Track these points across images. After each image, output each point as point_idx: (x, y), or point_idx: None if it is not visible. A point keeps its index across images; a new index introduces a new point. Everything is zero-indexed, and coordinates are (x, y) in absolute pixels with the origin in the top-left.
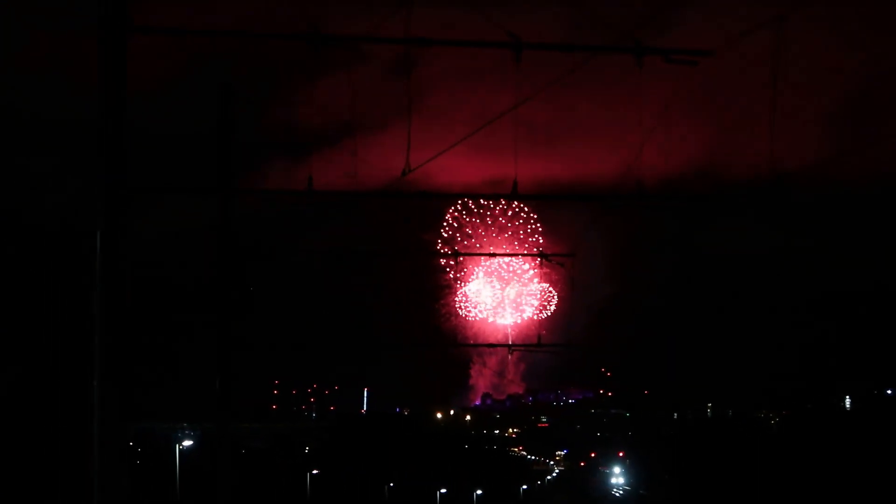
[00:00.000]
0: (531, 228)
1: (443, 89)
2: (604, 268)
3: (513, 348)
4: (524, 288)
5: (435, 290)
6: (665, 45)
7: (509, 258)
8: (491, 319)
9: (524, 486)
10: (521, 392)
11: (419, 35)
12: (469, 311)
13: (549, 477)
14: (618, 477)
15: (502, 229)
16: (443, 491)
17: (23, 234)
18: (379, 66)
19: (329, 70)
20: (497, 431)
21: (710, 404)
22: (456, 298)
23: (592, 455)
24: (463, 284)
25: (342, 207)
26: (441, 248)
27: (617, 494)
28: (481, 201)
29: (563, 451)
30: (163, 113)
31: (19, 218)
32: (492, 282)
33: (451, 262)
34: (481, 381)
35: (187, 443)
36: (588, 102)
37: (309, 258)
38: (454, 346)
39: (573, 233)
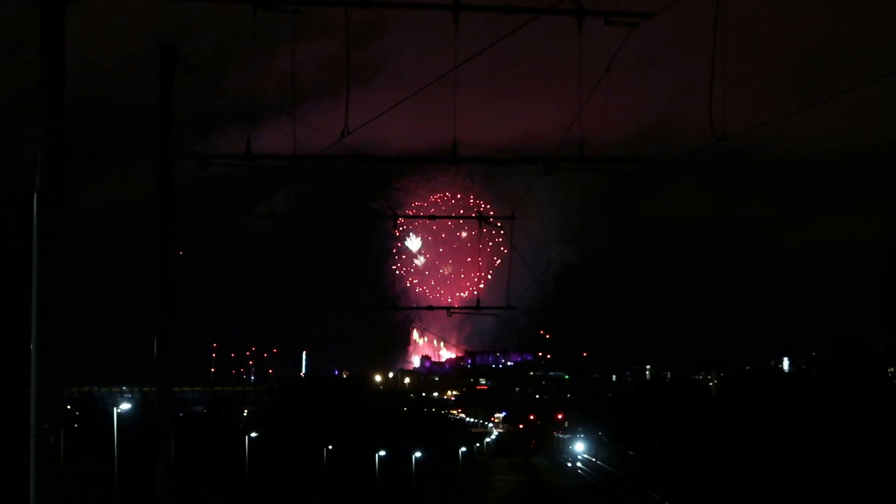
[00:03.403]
0: (473, 195)
1: (404, 57)
2: (546, 231)
3: (452, 311)
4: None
5: (381, 254)
6: (607, 7)
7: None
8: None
9: (463, 449)
10: (460, 355)
11: None
12: (412, 275)
13: (487, 440)
14: (579, 444)
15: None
16: (382, 454)
17: None
18: (342, 36)
19: (291, 39)
20: (436, 394)
21: (648, 367)
22: (399, 263)
23: (531, 417)
24: (407, 248)
25: (287, 173)
26: (383, 210)
27: (580, 471)
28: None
29: (501, 413)
30: (129, 86)
31: None
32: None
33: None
34: (421, 343)
35: (125, 406)
36: (536, 66)
37: (255, 223)
38: (394, 308)
39: (517, 196)
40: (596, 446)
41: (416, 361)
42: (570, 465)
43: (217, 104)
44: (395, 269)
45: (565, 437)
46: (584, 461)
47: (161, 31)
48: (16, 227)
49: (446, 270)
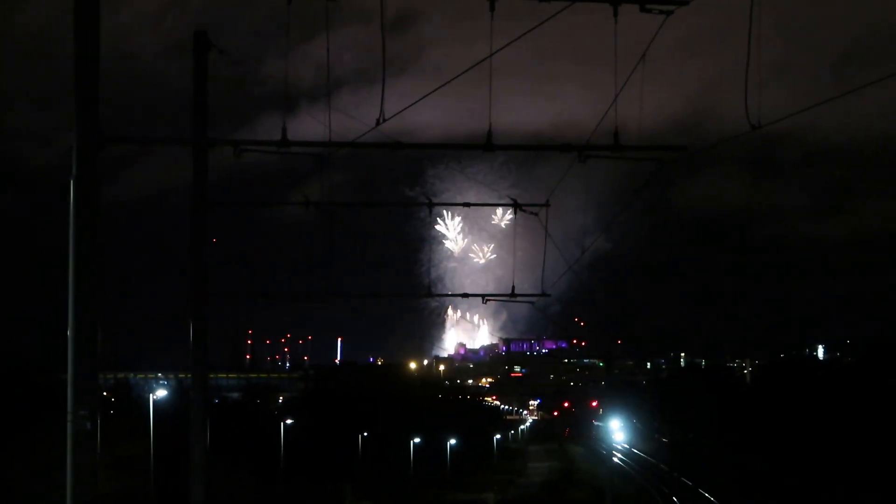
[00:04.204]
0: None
1: (440, 46)
2: (582, 219)
3: (487, 298)
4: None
5: (415, 241)
6: None
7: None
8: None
9: (497, 436)
10: (495, 342)
11: None
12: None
13: (522, 427)
14: (617, 433)
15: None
16: (416, 440)
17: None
18: (379, 23)
19: (329, 28)
20: (471, 381)
21: (683, 354)
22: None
23: (566, 405)
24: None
25: (322, 160)
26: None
27: (624, 465)
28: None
29: (536, 400)
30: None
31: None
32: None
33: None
34: (456, 330)
35: (161, 393)
36: (572, 54)
37: (290, 211)
38: (428, 295)
39: (549, 183)
40: (636, 436)
41: (450, 347)
42: (607, 454)
43: (254, 93)
44: (430, 257)
45: (601, 424)
46: (624, 452)
47: (199, 18)
48: (54, 214)
49: (482, 258)
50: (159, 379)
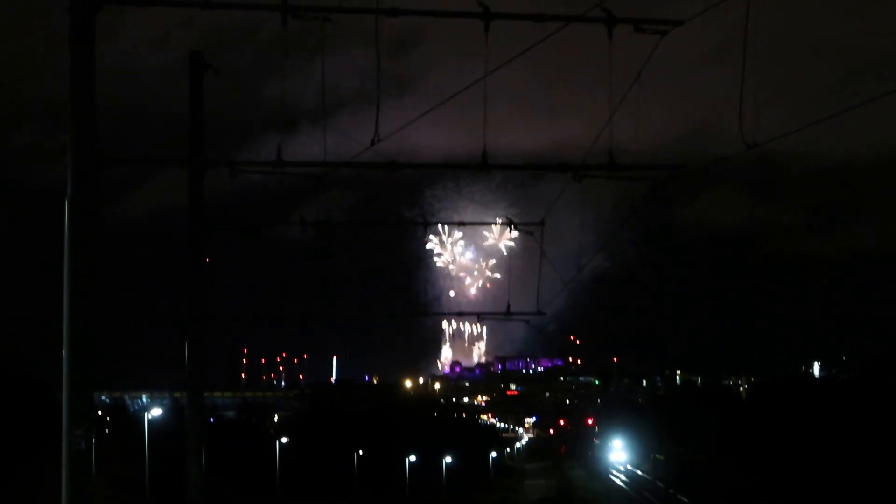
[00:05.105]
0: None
1: (439, 68)
2: (579, 238)
3: (482, 316)
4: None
5: (411, 260)
6: (638, 14)
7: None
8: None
9: (493, 454)
10: (490, 360)
11: (391, 6)
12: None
13: (518, 445)
14: (618, 452)
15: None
16: (412, 459)
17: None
18: (383, 47)
19: (328, 48)
20: (466, 399)
21: (678, 372)
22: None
23: (561, 422)
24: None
25: (318, 181)
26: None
27: (621, 483)
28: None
29: (532, 418)
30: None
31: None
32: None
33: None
34: (452, 349)
35: (156, 412)
36: (568, 74)
37: (289, 231)
38: (423, 314)
39: (547, 203)
40: (633, 453)
41: (446, 365)
42: (605, 474)
43: (255, 113)
44: (427, 276)
45: (599, 442)
46: (621, 470)
47: (202, 39)
48: (55, 235)
49: (480, 277)
50: (153, 398)
